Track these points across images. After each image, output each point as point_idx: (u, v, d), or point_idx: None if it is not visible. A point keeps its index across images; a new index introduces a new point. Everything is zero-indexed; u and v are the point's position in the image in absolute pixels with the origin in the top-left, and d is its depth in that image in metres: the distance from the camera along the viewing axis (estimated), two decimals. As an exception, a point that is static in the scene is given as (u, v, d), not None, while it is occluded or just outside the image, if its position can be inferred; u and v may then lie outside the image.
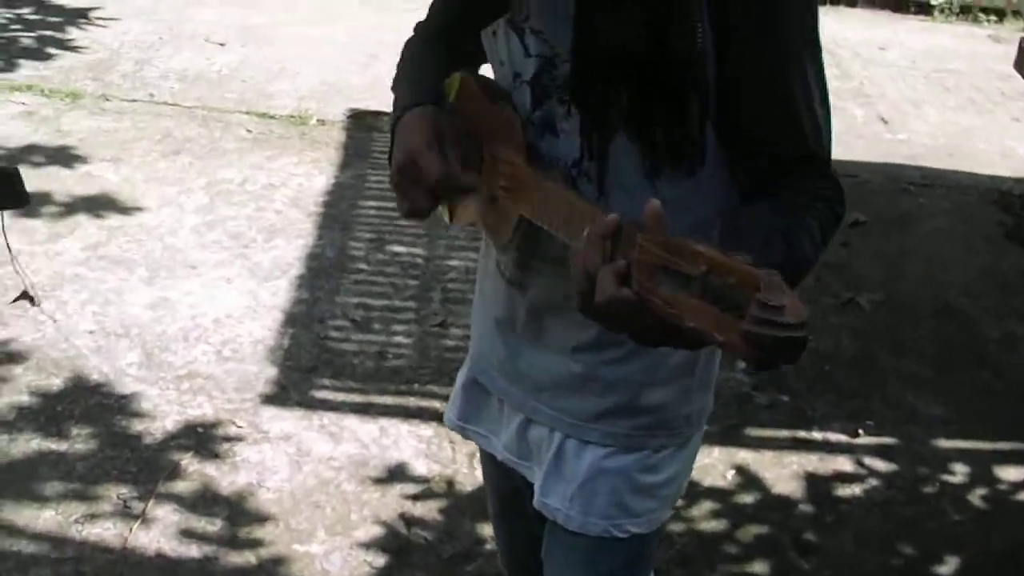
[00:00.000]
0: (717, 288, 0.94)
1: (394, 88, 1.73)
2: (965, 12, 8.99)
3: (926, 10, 9.00)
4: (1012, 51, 5.32)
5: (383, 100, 5.75)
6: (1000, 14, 8.95)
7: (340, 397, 3.59)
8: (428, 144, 1.50)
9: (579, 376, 1.62)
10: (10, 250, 1.08)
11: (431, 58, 1.72)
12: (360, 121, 5.64)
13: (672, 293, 0.99)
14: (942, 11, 8.96)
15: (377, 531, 3.05)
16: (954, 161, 5.94)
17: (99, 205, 4.56)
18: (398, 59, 1.77)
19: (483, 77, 1.60)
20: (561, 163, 1.50)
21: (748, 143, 1.42)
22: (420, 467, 3.30)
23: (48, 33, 6.61)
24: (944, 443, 3.65)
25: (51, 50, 6.36)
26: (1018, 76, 5.15)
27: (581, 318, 1.19)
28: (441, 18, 1.76)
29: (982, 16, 8.94)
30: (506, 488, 1.91)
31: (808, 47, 1.41)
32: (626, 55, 1.39)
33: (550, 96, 1.50)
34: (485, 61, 1.65)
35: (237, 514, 3.07)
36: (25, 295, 1.36)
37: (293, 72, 6.20)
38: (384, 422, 3.48)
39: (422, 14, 1.79)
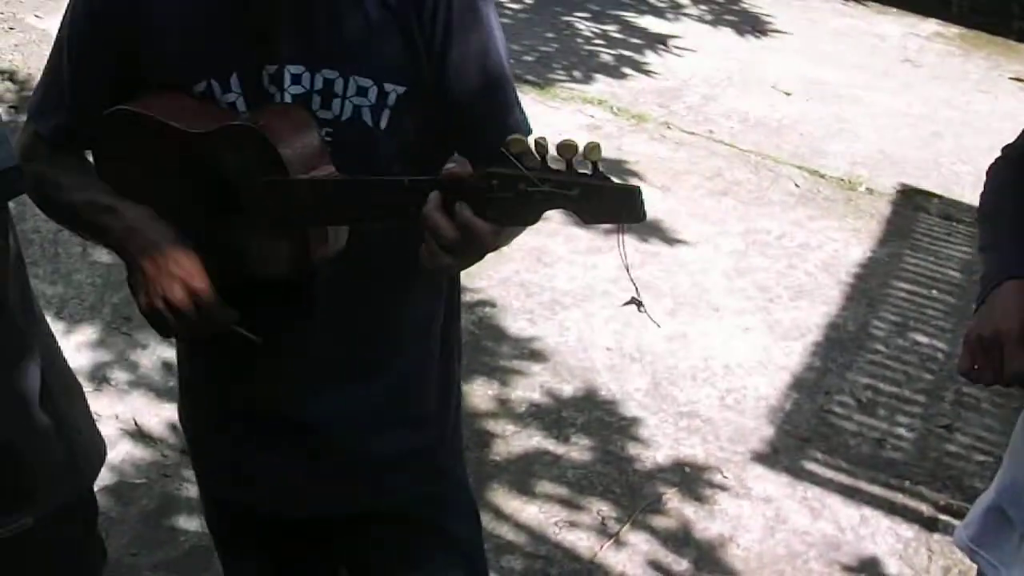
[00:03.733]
0: None
1: (986, 218, 1.66)
2: None
3: None
4: None
5: (937, 181, 5.63)
6: None
7: (829, 474, 3.54)
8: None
9: None
10: (625, 258, 1.17)
11: None
12: (909, 198, 5.51)
13: None
14: None
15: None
16: None
17: (642, 228, 4.75)
18: (988, 180, 1.69)
19: None
20: None
21: None
22: (892, 567, 3.20)
23: (626, 53, 6.95)
24: None
25: (626, 70, 6.68)
26: None
27: None
28: None
29: None
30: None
31: None
32: None
33: None
34: None
35: (704, 561, 3.12)
36: (633, 300, 1.49)
37: (852, 135, 6.15)
38: (867, 511, 3.40)
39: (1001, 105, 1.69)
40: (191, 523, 3.20)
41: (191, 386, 1.86)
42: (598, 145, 1.23)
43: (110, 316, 4.03)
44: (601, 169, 1.24)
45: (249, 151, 1.47)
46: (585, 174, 1.25)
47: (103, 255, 4.35)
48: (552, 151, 1.25)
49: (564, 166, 1.25)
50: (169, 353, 3.82)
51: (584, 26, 7.29)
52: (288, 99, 1.53)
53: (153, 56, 1.56)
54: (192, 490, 3.31)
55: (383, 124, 1.54)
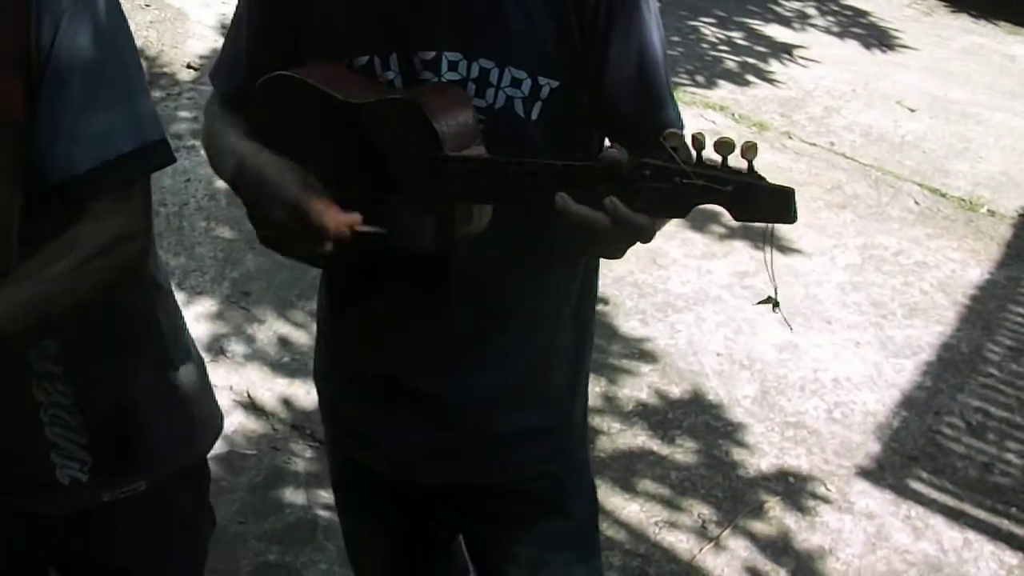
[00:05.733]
0: None
1: None
2: None
3: None
4: None
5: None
6: None
7: (934, 495, 3.51)
8: None
9: None
10: (770, 258, 1.16)
11: None
12: (1033, 221, 5.42)
13: None
14: None
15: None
16: None
17: (753, 235, 4.74)
18: None
19: None
20: None
21: None
22: (993, 592, 3.18)
23: (751, 61, 6.93)
24: None
25: (750, 77, 6.66)
26: None
27: None
28: None
29: None
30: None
31: None
32: None
33: None
34: None
35: (802, 571, 3.13)
36: (770, 300, 1.50)
37: (975, 155, 6.06)
38: (971, 535, 3.37)
39: None
40: (297, 496, 3.29)
41: (332, 350, 1.91)
42: (755, 145, 1.26)
43: (229, 290, 4.15)
44: (756, 169, 1.27)
45: (406, 124, 1.51)
46: (741, 172, 1.27)
47: (225, 230, 4.48)
48: (708, 148, 1.28)
49: (720, 162, 1.28)
50: (285, 329, 3.94)
51: (709, 31, 7.29)
52: None
53: (320, 29, 1.62)
54: (300, 464, 3.41)
55: (534, 116, 1.58)
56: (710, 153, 1.29)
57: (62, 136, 1.46)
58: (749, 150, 1.26)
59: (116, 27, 1.51)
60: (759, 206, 1.28)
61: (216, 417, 1.93)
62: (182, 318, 1.88)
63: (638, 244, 1.46)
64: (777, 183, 1.27)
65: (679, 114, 1.68)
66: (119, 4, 1.54)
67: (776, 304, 1.62)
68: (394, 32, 1.58)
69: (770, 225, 1.31)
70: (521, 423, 1.78)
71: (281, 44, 1.66)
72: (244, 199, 1.62)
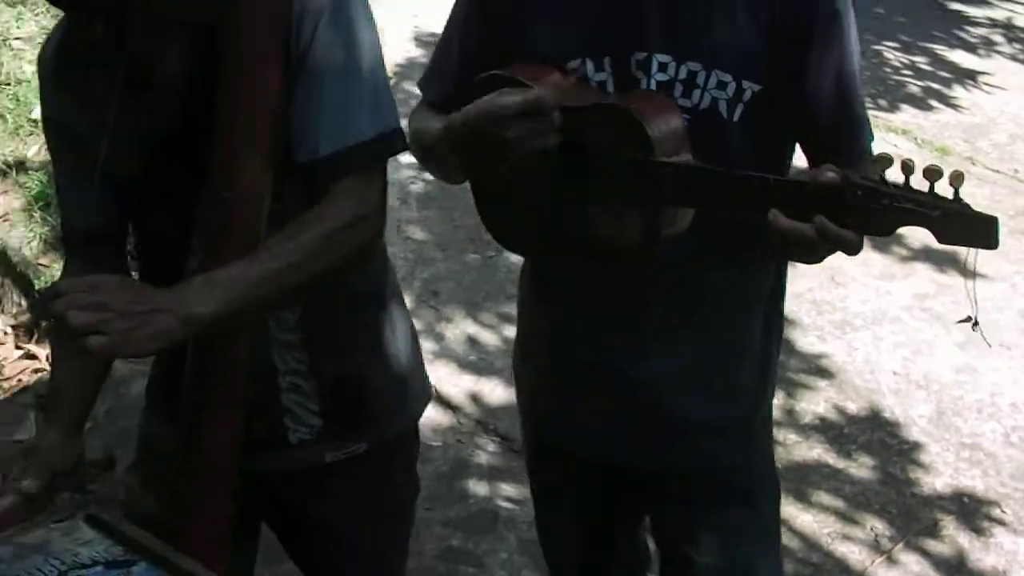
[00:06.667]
0: None
1: None
2: None
3: None
4: None
5: None
6: None
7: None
8: None
9: None
10: (973, 281, 1.21)
11: None
12: None
13: None
14: None
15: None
16: None
17: (936, 258, 4.73)
18: None
19: None
20: None
21: None
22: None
23: (934, 86, 6.86)
24: None
25: (933, 102, 6.60)
26: None
27: None
28: None
29: None
30: None
31: None
32: None
33: None
34: None
35: (981, 590, 3.15)
36: (969, 319, 1.56)
37: None
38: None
39: None
40: (480, 488, 3.45)
41: (532, 336, 2.04)
42: (962, 174, 1.35)
43: (419, 289, 4.34)
44: (961, 196, 1.35)
45: (618, 128, 1.62)
46: (946, 199, 1.35)
47: (417, 232, 4.69)
48: (917, 173, 1.37)
49: (927, 188, 1.36)
50: (473, 328, 4.11)
51: (893, 56, 7.24)
52: (653, 85, 1.68)
53: (534, 31, 1.74)
54: (483, 457, 3.56)
55: (736, 117, 1.68)
56: (918, 177, 1.38)
57: (310, 123, 1.62)
58: (957, 179, 1.35)
59: (364, 30, 1.67)
60: (963, 232, 1.36)
61: (427, 388, 2.09)
62: (402, 295, 2.03)
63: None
64: (982, 211, 1.35)
65: (871, 128, 1.77)
66: (369, 10, 1.70)
67: (976, 323, 1.70)
68: (607, 35, 1.70)
69: (972, 250, 1.40)
70: (712, 412, 1.88)
71: (494, 52, 1.77)
72: (455, 143, 1.68)
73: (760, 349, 1.92)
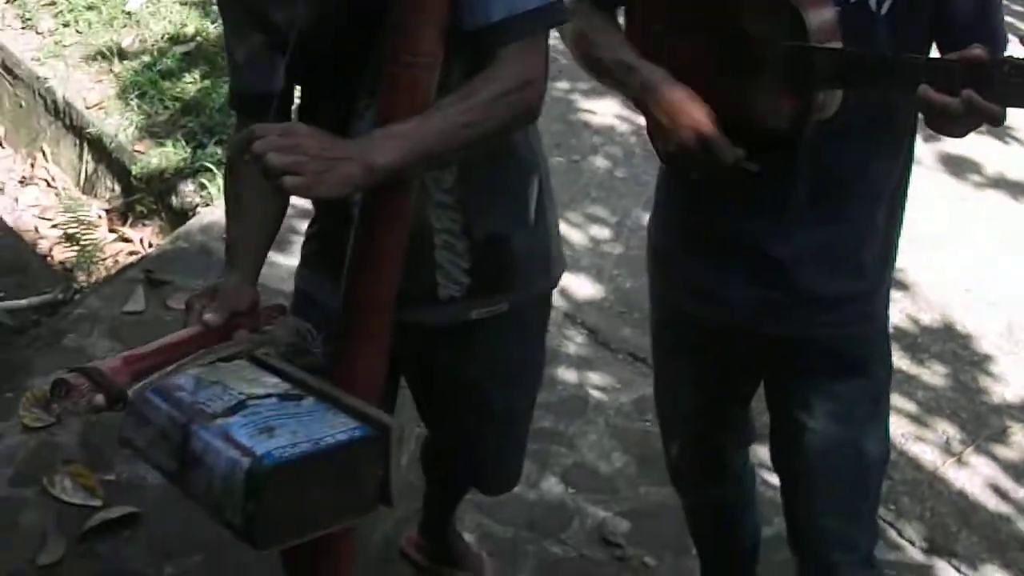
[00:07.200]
0: None
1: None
2: None
3: None
4: None
5: None
6: None
7: None
8: None
9: None
10: None
11: None
12: None
13: None
14: None
15: None
16: None
17: (1006, 186, 4.81)
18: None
19: None
20: None
21: None
22: None
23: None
24: None
25: None
26: None
27: None
28: None
29: None
30: None
31: None
32: None
33: None
34: None
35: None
36: None
37: None
38: None
39: None
40: (569, 375, 3.60)
41: (672, 208, 2.16)
42: None
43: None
44: None
45: (777, 17, 1.76)
46: None
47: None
48: None
49: None
50: (562, 227, 4.16)
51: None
52: None
53: None
54: (572, 348, 3.71)
55: (883, 11, 1.80)
56: None
57: None
58: None
59: None
60: None
61: (563, 256, 2.20)
62: (548, 165, 2.13)
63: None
64: None
65: (1006, 36, 1.90)
66: None
67: None
68: None
69: None
70: (840, 286, 2.01)
71: None
72: (651, 116, 1.93)
73: (886, 233, 2.04)
